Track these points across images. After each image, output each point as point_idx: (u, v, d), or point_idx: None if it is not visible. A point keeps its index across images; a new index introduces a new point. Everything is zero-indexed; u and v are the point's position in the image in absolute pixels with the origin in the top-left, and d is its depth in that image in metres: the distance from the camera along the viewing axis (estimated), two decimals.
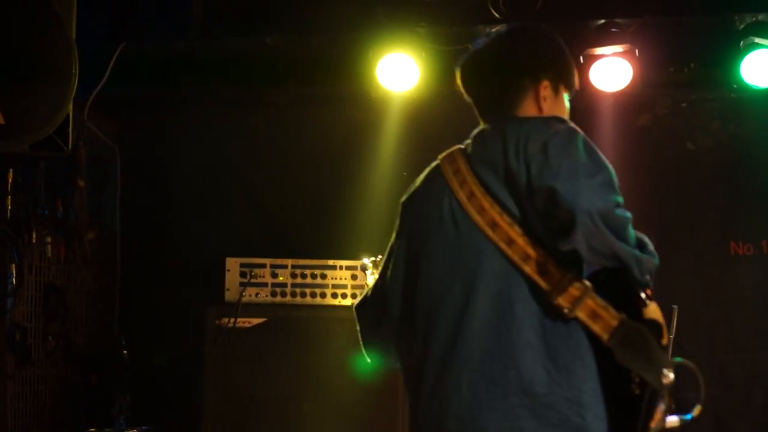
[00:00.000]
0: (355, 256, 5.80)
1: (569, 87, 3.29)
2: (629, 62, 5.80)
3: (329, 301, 5.68)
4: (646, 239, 3.02)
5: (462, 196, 3.08)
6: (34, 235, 5.39)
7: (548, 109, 3.21)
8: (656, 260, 2.99)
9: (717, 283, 6.59)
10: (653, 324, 2.94)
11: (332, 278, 5.70)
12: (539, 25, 3.54)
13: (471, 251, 3.04)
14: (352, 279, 5.69)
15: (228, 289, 5.67)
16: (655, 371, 2.93)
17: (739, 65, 5.79)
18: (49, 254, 5.62)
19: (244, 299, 5.58)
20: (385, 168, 6.44)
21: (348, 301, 5.67)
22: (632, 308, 2.94)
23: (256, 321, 5.58)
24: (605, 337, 2.90)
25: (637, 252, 2.92)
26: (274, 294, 5.67)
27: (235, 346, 5.51)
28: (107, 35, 5.67)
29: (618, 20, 5.74)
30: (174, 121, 6.71)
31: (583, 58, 5.86)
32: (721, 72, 5.99)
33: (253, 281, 5.64)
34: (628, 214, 2.93)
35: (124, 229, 6.64)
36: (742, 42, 5.75)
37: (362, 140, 6.53)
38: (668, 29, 5.94)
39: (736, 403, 6.49)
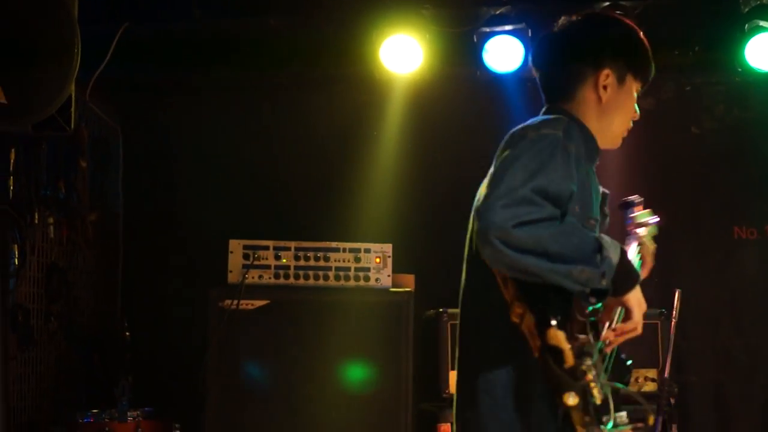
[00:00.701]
0: (358, 239, 5.80)
1: (639, 77, 3.26)
2: None
3: (332, 283, 5.67)
4: (603, 242, 2.83)
5: None
6: (36, 216, 5.38)
7: (609, 99, 3.18)
8: (602, 265, 2.78)
9: (720, 267, 6.59)
10: (552, 349, 2.76)
11: (335, 260, 5.69)
12: (617, 13, 3.49)
13: None
14: (355, 261, 5.68)
15: (231, 271, 5.65)
16: (557, 394, 2.78)
17: (743, 48, 5.78)
18: (52, 235, 5.61)
19: (247, 281, 5.57)
20: (388, 150, 6.43)
21: (351, 284, 5.66)
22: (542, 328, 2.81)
23: (259, 303, 5.57)
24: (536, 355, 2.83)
25: (558, 265, 2.73)
26: (277, 276, 5.66)
27: (238, 328, 5.51)
28: (109, 16, 5.65)
29: (623, 2, 5.72)
30: (177, 102, 6.69)
31: None
32: (725, 55, 5.98)
33: (256, 263, 5.62)
34: (544, 230, 2.72)
35: (126, 210, 6.65)
36: (746, 25, 5.74)
37: (366, 122, 6.52)
38: (673, 12, 5.92)
39: (738, 387, 6.50)
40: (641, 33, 3.32)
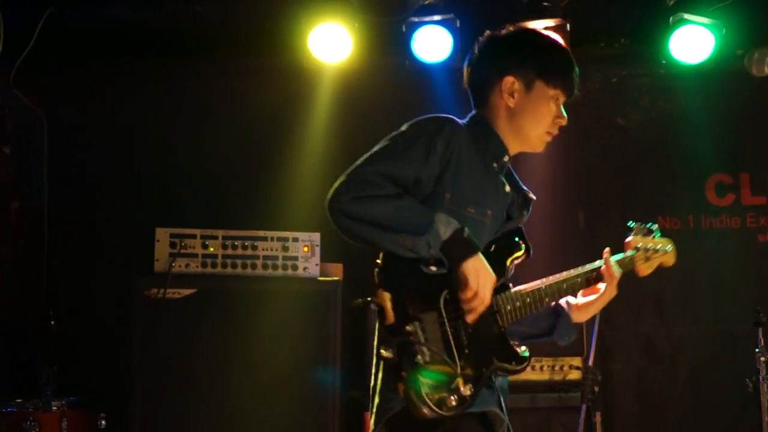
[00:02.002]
0: (286, 227, 5.78)
1: (553, 84, 3.42)
2: (561, 36, 5.80)
3: (260, 272, 5.65)
4: (437, 217, 3.16)
5: None
6: None
7: (516, 104, 3.41)
8: (426, 234, 3.13)
9: None
10: (378, 307, 3.14)
11: (263, 249, 5.67)
12: (532, 26, 3.68)
13: None
14: (283, 250, 5.67)
15: (158, 260, 5.61)
16: (378, 347, 3.16)
17: (668, 41, 5.87)
18: None
19: (174, 270, 5.54)
20: (317, 139, 6.42)
21: (279, 272, 5.65)
22: None
23: (186, 292, 5.54)
24: None
25: (387, 233, 3.13)
26: (204, 265, 5.62)
27: (165, 317, 5.46)
28: (33, 1, 5.57)
29: None
30: (103, 89, 6.60)
31: None
32: (650, 48, 6.07)
33: (183, 252, 5.58)
34: (379, 205, 3.14)
35: (51, 198, 6.54)
36: (671, 18, 5.83)
37: (294, 111, 6.50)
38: (599, 4, 6.01)
39: (661, 375, 6.60)
40: (559, 44, 3.53)
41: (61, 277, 6.44)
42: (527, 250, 3.45)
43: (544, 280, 3.46)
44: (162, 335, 5.49)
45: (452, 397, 3.07)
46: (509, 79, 3.41)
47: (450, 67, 5.95)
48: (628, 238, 3.71)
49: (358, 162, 3.20)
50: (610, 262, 3.58)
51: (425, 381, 3.04)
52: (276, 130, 6.49)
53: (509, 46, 3.47)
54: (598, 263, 3.58)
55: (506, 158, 3.44)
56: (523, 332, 3.58)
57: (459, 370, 3.10)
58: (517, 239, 3.44)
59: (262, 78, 6.47)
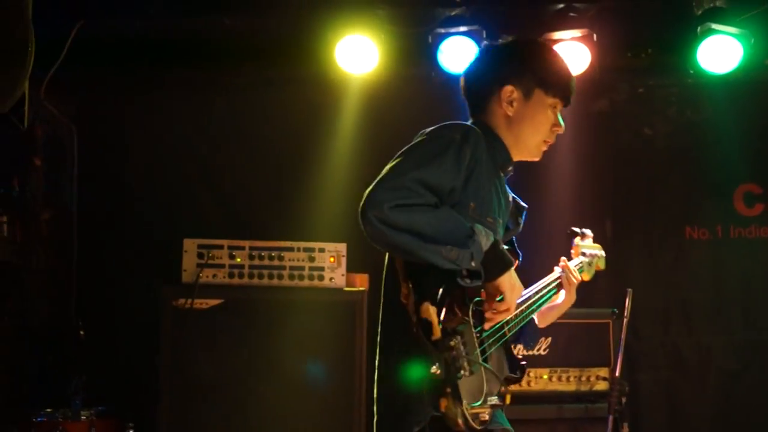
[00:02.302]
0: (313, 238, 5.80)
1: (551, 93, 3.46)
2: (587, 47, 5.84)
3: (286, 282, 5.67)
4: (477, 229, 3.12)
5: None
6: None
7: (515, 113, 3.45)
8: (471, 246, 3.08)
9: (672, 266, 6.66)
10: (423, 322, 3.06)
11: (289, 260, 5.69)
12: (531, 37, 3.76)
13: None
14: (309, 261, 5.69)
15: (185, 270, 5.64)
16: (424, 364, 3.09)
17: (695, 51, 5.84)
18: (5, 233, 5.58)
19: (202, 280, 5.56)
20: (343, 150, 6.44)
21: (305, 283, 5.67)
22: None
23: (213, 302, 5.56)
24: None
25: (429, 245, 3.05)
26: (231, 275, 5.65)
27: (192, 327, 5.49)
28: (65, 14, 5.61)
29: (576, 5, 5.78)
30: (132, 101, 6.66)
31: None
32: (678, 58, 6.03)
33: (210, 262, 5.62)
34: (419, 214, 3.05)
35: (81, 209, 6.60)
36: (699, 28, 5.80)
37: (321, 122, 6.52)
38: (626, 14, 5.98)
39: (690, 386, 6.57)
40: (557, 54, 3.58)
41: (90, 286, 6.49)
42: (519, 262, 3.46)
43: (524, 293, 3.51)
44: (189, 345, 5.52)
45: (485, 411, 3.11)
46: (508, 88, 3.45)
47: None
48: (576, 243, 3.71)
49: (391, 170, 3.10)
50: (572, 269, 3.61)
51: (467, 395, 3.05)
52: (303, 142, 6.51)
53: (508, 56, 3.52)
54: (557, 272, 3.70)
55: (510, 168, 3.50)
56: None
57: (499, 382, 3.18)
58: (512, 252, 3.44)
59: (289, 89, 6.49)
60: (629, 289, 5.51)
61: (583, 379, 5.68)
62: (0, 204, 5.49)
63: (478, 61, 3.58)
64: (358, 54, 5.87)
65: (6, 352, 5.71)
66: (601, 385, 5.66)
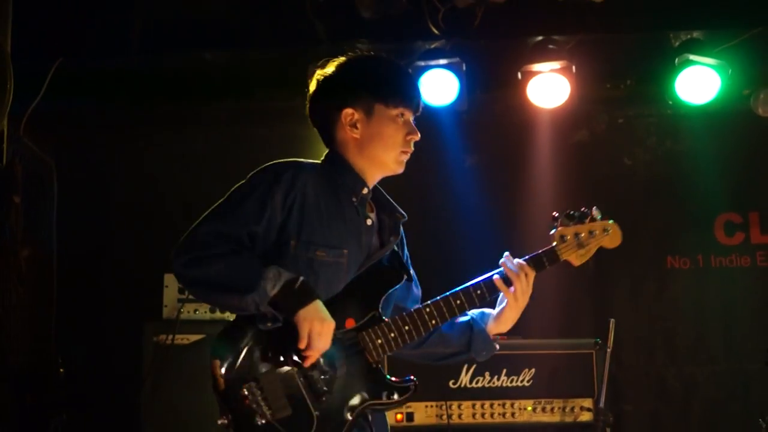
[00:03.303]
0: None
1: (393, 103, 3.39)
2: (567, 78, 5.86)
3: None
4: (267, 273, 3.14)
5: None
6: None
7: (363, 133, 3.38)
8: (253, 292, 3.10)
9: (654, 296, 6.68)
10: (212, 377, 3.20)
11: None
12: (354, 53, 3.60)
13: None
14: None
15: (166, 306, 5.62)
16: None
17: (674, 82, 5.87)
18: None
19: (183, 316, 5.54)
20: None
21: None
22: None
23: (194, 338, 5.53)
24: None
25: (220, 295, 3.22)
26: (212, 310, 5.62)
27: (174, 363, 5.46)
28: (44, 50, 5.61)
29: (555, 37, 5.81)
30: (112, 137, 6.66)
31: (521, 75, 5.91)
32: (657, 88, 6.08)
33: (191, 298, 5.59)
34: (210, 267, 3.16)
35: (60, 245, 6.56)
36: (677, 59, 5.84)
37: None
38: (605, 46, 6.02)
39: (674, 415, 6.56)
40: (389, 61, 3.54)
41: (70, 324, 6.45)
42: (402, 277, 3.40)
43: (429, 302, 3.43)
44: (171, 381, 5.48)
45: None
46: (347, 111, 3.39)
47: (457, 109, 5.98)
48: (552, 231, 3.60)
49: (195, 223, 3.26)
50: (508, 265, 3.48)
51: None
52: None
53: (339, 79, 3.44)
54: (496, 271, 3.51)
55: (365, 191, 3.40)
56: (434, 354, 3.60)
57: (313, 419, 3.13)
58: (391, 269, 3.42)
59: (271, 123, 6.50)
60: (612, 319, 5.51)
61: (567, 410, 5.66)
62: None
63: (315, 93, 3.49)
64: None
65: None
66: (586, 416, 5.64)
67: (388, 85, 3.42)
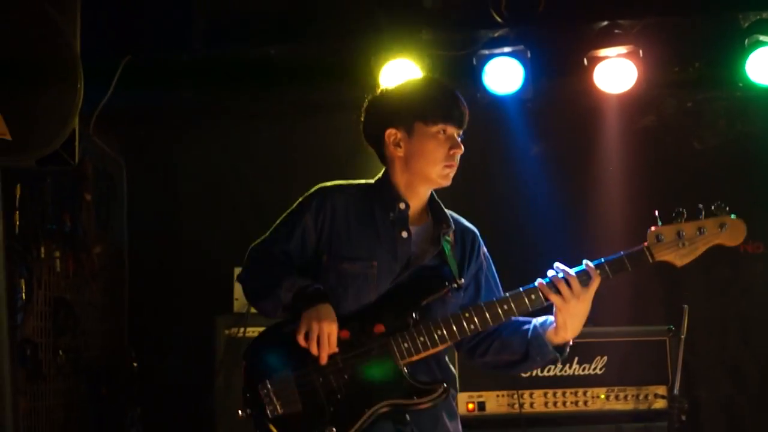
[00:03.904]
0: None
1: (432, 120, 3.56)
2: (634, 63, 5.80)
3: None
4: (284, 283, 3.52)
5: None
6: (42, 250, 5.40)
7: (406, 152, 3.60)
8: (272, 298, 3.54)
9: (727, 282, 6.58)
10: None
11: None
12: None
13: None
14: None
15: (237, 299, 5.66)
16: None
17: (744, 63, 5.78)
18: (58, 269, 5.62)
19: (254, 309, 5.55)
20: None
21: None
22: None
23: None
24: None
25: (255, 302, 3.70)
26: None
27: None
28: (111, 49, 5.67)
29: (621, 21, 5.74)
30: (179, 132, 6.72)
31: (587, 60, 5.86)
32: (726, 71, 5.98)
33: None
34: (247, 279, 3.70)
35: (131, 241, 6.66)
36: (746, 40, 5.75)
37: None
38: (672, 29, 5.93)
39: (750, 401, 6.47)
40: (428, 80, 3.85)
41: (142, 319, 6.53)
42: (445, 286, 3.52)
43: (471, 306, 3.53)
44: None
45: None
46: (390, 132, 3.61)
47: (522, 98, 5.94)
48: (649, 230, 3.53)
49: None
50: (555, 271, 3.47)
51: (277, 428, 3.39)
52: (349, 167, 6.49)
53: (382, 102, 3.69)
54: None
55: (402, 206, 3.59)
56: (500, 361, 3.67)
57: (326, 413, 3.38)
58: (432, 279, 3.54)
59: (335, 115, 6.49)
60: (685, 306, 5.45)
61: (641, 397, 5.61)
62: (53, 240, 5.53)
63: (364, 116, 3.76)
64: (403, 78, 5.85)
65: (62, 387, 5.75)
66: (660, 404, 5.59)
67: (427, 103, 3.59)
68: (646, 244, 3.52)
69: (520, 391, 5.50)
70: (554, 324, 3.52)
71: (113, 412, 5.84)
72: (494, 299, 3.53)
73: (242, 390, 3.50)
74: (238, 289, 5.66)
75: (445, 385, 3.45)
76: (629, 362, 5.62)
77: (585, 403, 5.56)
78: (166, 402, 6.02)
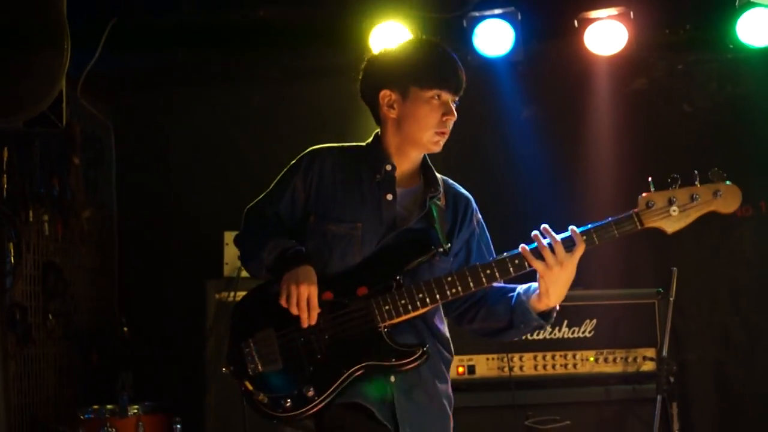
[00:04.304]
0: None
1: (428, 86, 3.51)
2: (624, 25, 5.78)
3: None
4: (269, 243, 3.53)
5: None
6: (31, 214, 5.38)
7: (399, 114, 3.56)
8: (256, 259, 3.55)
9: (716, 244, 6.60)
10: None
11: None
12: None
13: None
14: None
15: (227, 264, 5.66)
16: None
17: (735, 25, 5.77)
18: (47, 232, 5.61)
19: (244, 273, 5.55)
20: None
21: None
22: None
23: None
24: None
25: (244, 261, 3.70)
26: None
27: None
28: (98, 11, 5.63)
29: None
30: (168, 96, 6.69)
31: (578, 22, 5.84)
32: (717, 32, 5.96)
33: None
34: (240, 240, 3.72)
35: (120, 205, 6.65)
36: (737, 1, 5.73)
37: (357, 112, 6.47)
38: None
39: (738, 365, 6.50)
40: (427, 45, 3.64)
41: (132, 283, 6.53)
42: (430, 250, 3.49)
43: (454, 271, 3.51)
44: None
45: (288, 400, 3.38)
46: (385, 93, 3.57)
47: (512, 60, 5.92)
48: (640, 196, 3.45)
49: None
50: (540, 238, 3.39)
51: (259, 387, 3.41)
52: (339, 131, 6.47)
53: (379, 63, 3.65)
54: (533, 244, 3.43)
55: (388, 167, 3.57)
56: (488, 328, 3.64)
57: (306, 371, 3.40)
58: (417, 242, 3.51)
59: (324, 79, 6.48)
60: (674, 268, 5.46)
61: (630, 360, 5.64)
62: (41, 203, 5.51)
63: (361, 75, 3.71)
64: (392, 40, 5.83)
65: (52, 350, 5.75)
66: (648, 366, 5.62)
67: (423, 67, 3.54)
68: (636, 210, 3.46)
69: (510, 355, 5.52)
70: (537, 291, 3.47)
71: (104, 376, 5.84)
72: (477, 264, 3.48)
73: (227, 347, 3.54)
74: (228, 253, 5.66)
75: (425, 348, 3.41)
76: (618, 325, 5.64)
77: (574, 365, 5.59)
78: (157, 367, 6.02)
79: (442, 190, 3.64)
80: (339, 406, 3.39)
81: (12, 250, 5.20)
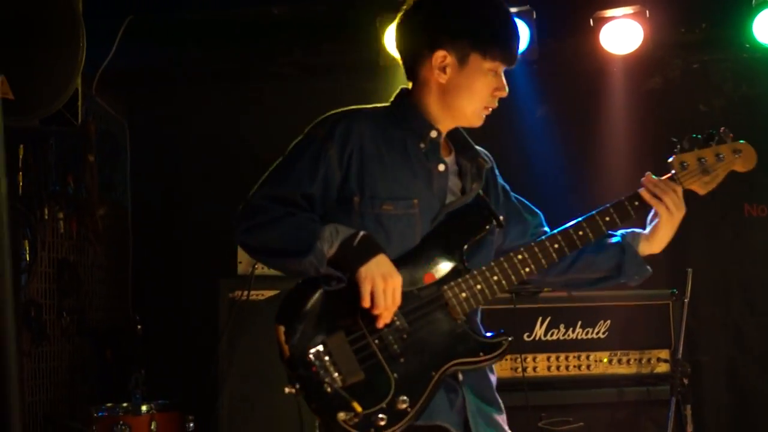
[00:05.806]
0: None
1: (490, 57, 3.12)
2: (640, 24, 5.77)
3: None
4: (323, 234, 2.99)
5: None
6: (46, 211, 5.40)
7: (450, 80, 3.13)
8: (310, 254, 2.94)
9: (731, 245, 6.57)
10: (278, 344, 3.02)
11: None
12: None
13: None
14: None
15: (240, 262, 5.65)
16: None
17: (751, 24, 5.75)
18: (62, 230, 5.63)
19: (257, 271, 5.56)
20: None
21: None
22: None
23: (268, 293, 5.56)
24: None
25: (278, 259, 3.06)
26: None
27: (249, 318, 5.50)
28: (114, 9, 5.64)
29: None
30: (182, 93, 6.69)
31: (593, 21, 5.83)
32: (732, 32, 5.94)
33: None
34: (267, 232, 3.03)
35: (135, 203, 6.66)
36: (753, 1, 5.71)
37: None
38: None
39: (752, 366, 6.48)
40: (498, 8, 3.19)
41: (146, 280, 6.54)
42: (490, 223, 3.16)
43: (522, 248, 3.20)
44: (247, 336, 5.53)
45: (380, 416, 2.90)
46: (440, 54, 3.11)
47: (527, 58, 5.89)
48: (670, 158, 3.32)
49: (255, 187, 3.13)
50: (651, 178, 3.25)
51: (341, 406, 2.89)
52: None
53: (441, 14, 3.15)
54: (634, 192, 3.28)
55: (434, 134, 3.17)
56: (579, 279, 3.39)
57: (391, 382, 2.94)
58: (475, 216, 3.17)
59: (337, 77, 6.48)
60: (689, 269, 5.44)
61: (644, 361, 5.62)
62: (56, 201, 5.53)
63: (409, 21, 3.20)
64: None
65: (66, 348, 5.77)
66: (663, 367, 5.59)
67: (492, 36, 3.12)
68: (674, 171, 3.31)
69: (523, 355, 5.51)
70: (649, 237, 3.30)
71: (117, 374, 5.85)
72: (550, 234, 3.23)
73: (285, 361, 2.96)
74: (241, 252, 5.65)
75: (509, 337, 3.08)
76: (632, 326, 5.61)
77: (588, 367, 5.57)
78: (170, 365, 6.03)
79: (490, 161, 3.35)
80: (417, 429, 2.98)
81: (27, 248, 5.22)
